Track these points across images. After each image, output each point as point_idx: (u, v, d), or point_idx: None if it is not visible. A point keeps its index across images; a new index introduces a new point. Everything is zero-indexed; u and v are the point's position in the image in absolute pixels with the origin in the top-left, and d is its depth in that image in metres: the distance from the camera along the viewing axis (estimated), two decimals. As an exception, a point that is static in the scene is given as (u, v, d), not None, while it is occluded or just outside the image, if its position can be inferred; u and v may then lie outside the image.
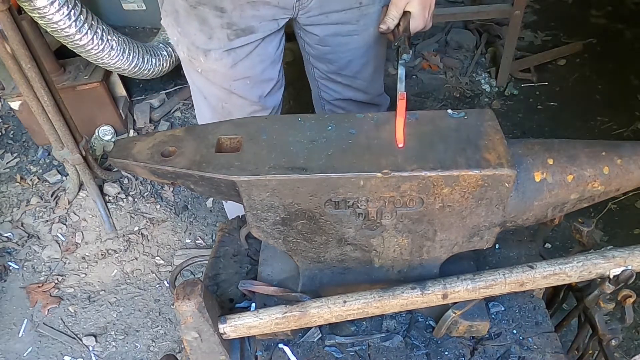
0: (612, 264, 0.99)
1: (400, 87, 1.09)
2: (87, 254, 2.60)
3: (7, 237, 2.68)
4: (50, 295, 2.46)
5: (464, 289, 1.00)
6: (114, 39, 2.57)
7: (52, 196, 2.79)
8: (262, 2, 1.39)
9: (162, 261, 2.56)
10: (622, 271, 0.99)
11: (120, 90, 3.16)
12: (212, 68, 1.51)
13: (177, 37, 1.51)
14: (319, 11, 1.49)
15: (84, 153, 2.49)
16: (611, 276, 1.00)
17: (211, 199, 2.78)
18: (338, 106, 1.85)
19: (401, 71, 1.17)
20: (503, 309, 1.16)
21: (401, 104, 1.00)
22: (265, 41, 1.51)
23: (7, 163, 3.03)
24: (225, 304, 1.21)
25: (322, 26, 1.54)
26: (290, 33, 1.65)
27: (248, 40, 1.47)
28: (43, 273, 2.55)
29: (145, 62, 2.78)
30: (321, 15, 1.50)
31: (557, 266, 1.00)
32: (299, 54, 1.75)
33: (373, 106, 1.86)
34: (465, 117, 1.01)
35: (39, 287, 2.49)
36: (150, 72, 2.85)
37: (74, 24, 2.36)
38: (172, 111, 3.28)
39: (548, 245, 2.44)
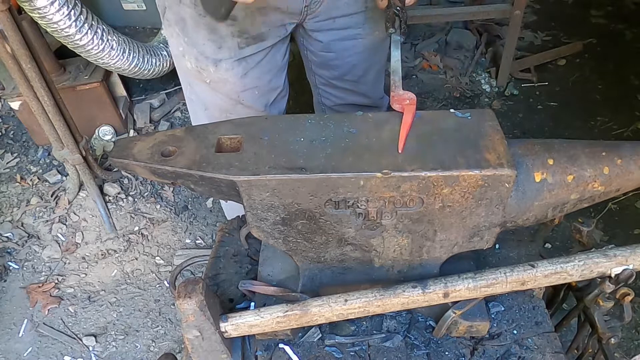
0: (614, 262, 0.99)
1: (394, 78, 1.08)
2: (87, 254, 2.60)
3: (7, 237, 2.68)
4: (50, 295, 2.46)
5: (465, 288, 1.00)
6: (114, 39, 2.57)
7: (52, 196, 2.79)
8: (272, 8, 1.38)
9: (162, 261, 2.56)
10: (623, 270, 0.99)
11: (120, 90, 3.16)
12: (222, 78, 1.48)
13: (183, 48, 1.46)
14: (326, 16, 1.48)
15: (84, 153, 2.49)
16: (612, 275, 1.00)
17: (211, 199, 2.78)
18: (339, 111, 1.85)
19: (395, 53, 1.13)
20: (503, 309, 1.16)
21: (410, 109, 1.00)
22: (274, 49, 1.50)
23: (7, 163, 3.03)
24: (225, 304, 1.20)
25: (328, 32, 1.53)
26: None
27: (258, 48, 1.45)
28: (43, 273, 2.55)
29: (146, 62, 2.79)
30: (328, 20, 1.49)
31: (558, 265, 1.00)
32: (299, 54, 1.75)
33: (374, 109, 1.86)
34: (470, 117, 1.01)
35: (39, 287, 2.49)
36: (150, 72, 2.86)
37: (74, 24, 2.37)
38: (172, 111, 3.28)
39: (548, 245, 2.44)
